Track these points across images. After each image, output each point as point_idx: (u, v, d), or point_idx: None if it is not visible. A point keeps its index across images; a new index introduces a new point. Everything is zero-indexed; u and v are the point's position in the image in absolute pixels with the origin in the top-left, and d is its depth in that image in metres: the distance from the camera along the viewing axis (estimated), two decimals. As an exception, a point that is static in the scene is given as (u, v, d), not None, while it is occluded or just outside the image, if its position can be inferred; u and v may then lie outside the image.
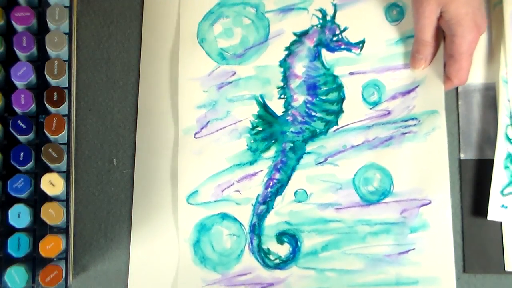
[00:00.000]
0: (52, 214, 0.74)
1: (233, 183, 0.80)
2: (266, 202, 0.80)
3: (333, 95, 0.81)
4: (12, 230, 0.74)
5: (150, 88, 0.83)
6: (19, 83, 0.76)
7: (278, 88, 0.82)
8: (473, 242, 0.79)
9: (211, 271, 0.79)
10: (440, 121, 0.79)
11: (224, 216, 0.80)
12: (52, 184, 0.74)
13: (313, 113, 0.81)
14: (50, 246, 0.73)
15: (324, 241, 0.79)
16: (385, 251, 0.78)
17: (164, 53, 0.84)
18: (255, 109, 0.81)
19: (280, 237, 0.79)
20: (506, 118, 0.80)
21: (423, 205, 0.78)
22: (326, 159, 0.80)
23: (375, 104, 0.81)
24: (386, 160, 0.79)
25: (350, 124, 0.80)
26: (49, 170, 0.76)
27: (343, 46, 0.82)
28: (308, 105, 0.81)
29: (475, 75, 0.81)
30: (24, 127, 0.75)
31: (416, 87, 0.80)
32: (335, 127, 0.80)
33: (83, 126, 0.83)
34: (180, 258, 0.79)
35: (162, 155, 0.82)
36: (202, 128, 0.81)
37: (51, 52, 0.77)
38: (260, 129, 0.81)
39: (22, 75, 0.76)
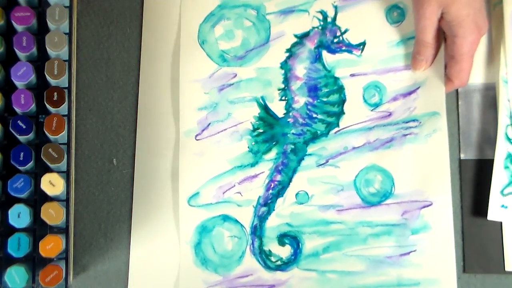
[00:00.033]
0: (52, 214, 0.74)
1: (234, 185, 0.80)
2: (267, 203, 0.80)
3: (334, 97, 0.81)
4: (12, 230, 0.74)
5: (150, 88, 0.83)
6: (19, 83, 0.76)
7: (279, 90, 0.82)
8: (473, 242, 0.79)
9: (212, 273, 0.79)
10: (441, 122, 0.79)
11: (225, 218, 0.80)
12: (52, 184, 0.74)
13: (314, 115, 0.81)
14: (50, 246, 0.73)
15: (325, 242, 0.79)
16: (386, 252, 0.78)
17: (164, 53, 0.84)
18: (256, 111, 0.82)
19: (282, 238, 0.79)
20: (506, 118, 0.80)
21: (424, 207, 0.78)
22: (327, 161, 0.80)
23: (376, 105, 0.81)
24: (387, 162, 0.79)
25: (351, 125, 0.80)
26: (49, 170, 0.76)
27: (344, 48, 0.82)
28: (309, 106, 0.81)
29: (475, 75, 0.81)
30: (24, 127, 0.75)
31: (417, 88, 0.80)
32: (336, 129, 0.81)
33: (83, 126, 0.83)
34: (181, 260, 0.79)
35: (162, 155, 0.82)
36: (203, 130, 0.81)
37: (51, 52, 0.77)
38: (261, 131, 0.81)
39: (22, 75, 0.76)
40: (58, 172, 0.75)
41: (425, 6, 0.76)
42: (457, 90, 0.82)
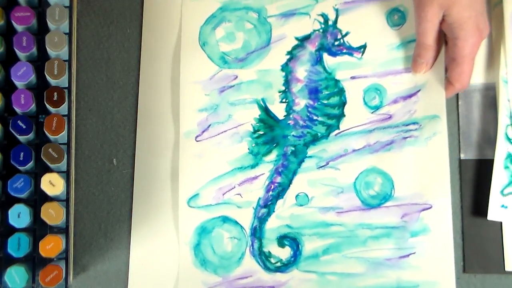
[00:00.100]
0: (52, 214, 0.74)
1: (234, 186, 0.80)
2: (267, 205, 0.80)
3: (334, 99, 0.81)
4: (12, 230, 0.74)
5: (150, 88, 0.83)
6: (19, 83, 0.76)
7: (279, 92, 0.82)
8: (473, 242, 0.80)
9: (211, 274, 0.79)
10: (441, 126, 0.80)
11: (225, 219, 0.80)
12: (52, 184, 0.74)
13: (315, 117, 0.81)
14: (50, 246, 0.73)
15: (325, 244, 0.79)
16: (386, 255, 0.78)
17: (164, 54, 0.84)
18: (256, 113, 0.82)
19: (281, 240, 0.79)
20: (506, 118, 0.80)
21: (424, 210, 0.78)
22: (327, 163, 0.80)
23: (377, 108, 0.81)
24: (387, 164, 0.80)
25: (351, 128, 0.81)
26: (49, 170, 0.76)
27: (344, 51, 0.82)
28: (309, 109, 0.81)
29: (475, 75, 0.81)
30: (24, 127, 0.75)
31: (418, 91, 0.81)
32: (336, 131, 0.81)
33: (83, 126, 0.83)
34: (181, 261, 0.79)
35: (162, 155, 0.82)
36: (203, 132, 0.82)
37: (51, 52, 0.77)
38: (261, 132, 0.81)
39: (22, 75, 0.76)
40: (58, 172, 0.75)
41: (427, 8, 0.76)
42: (457, 90, 0.82)
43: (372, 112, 0.81)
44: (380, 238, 0.79)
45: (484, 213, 0.79)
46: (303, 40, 0.83)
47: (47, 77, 0.76)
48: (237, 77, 0.82)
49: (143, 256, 0.80)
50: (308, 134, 0.81)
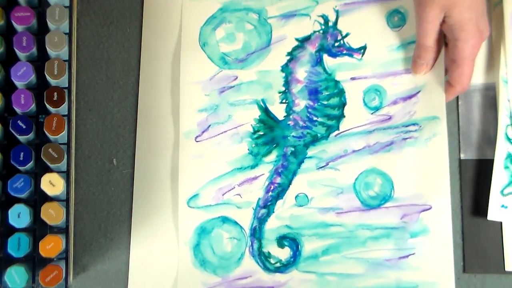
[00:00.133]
0: (52, 214, 0.74)
1: (234, 187, 0.81)
2: (267, 206, 0.80)
3: (334, 100, 0.82)
4: (12, 230, 0.74)
5: (150, 88, 0.83)
6: (19, 83, 0.76)
7: (279, 92, 0.82)
8: (473, 242, 0.80)
9: (211, 274, 0.79)
10: (441, 127, 0.80)
11: (225, 220, 0.80)
12: (52, 184, 0.74)
13: (315, 118, 0.81)
14: (50, 246, 0.73)
15: (325, 245, 0.79)
16: (386, 255, 0.78)
17: (165, 53, 0.84)
18: (256, 113, 0.82)
19: (281, 240, 0.80)
20: (506, 118, 0.80)
21: (423, 210, 0.79)
22: (327, 164, 0.80)
23: (376, 109, 0.81)
24: (387, 165, 0.80)
25: (351, 129, 0.81)
26: (49, 170, 0.76)
27: (344, 52, 0.82)
28: (309, 109, 0.81)
29: (475, 75, 0.81)
30: (24, 127, 0.75)
31: (417, 92, 0.81)
32: (336, 132, 0.81)
33: (83, 126, 0.83)
34: (180, 261, 0.79)
35: (162, 155, 0.82)
36: (203, 132, 0.82)
37: (51, 52, 0.77)
38: (261, 133, 0.81)
39: (22, 75, 0.76)
40: (58, 172, 0.75)
41: (428, 9, 0.76)
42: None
43: (372, 113, 0.81)
44: (380, 238, 0.79)
45: (484, 213, 0.79)
46: (303, 41, 0.83)
47: (47, 77, 0.76)
48: (237, 77, 0.83)
49: (143, 256, 0.80)
50: (308, 134, 0.81)
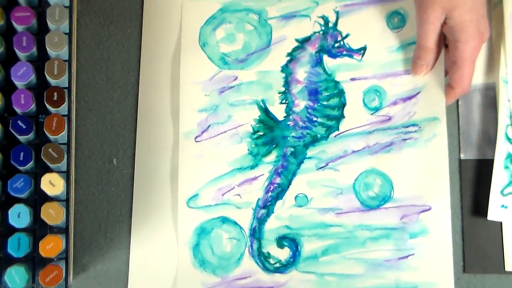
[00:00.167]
0: (52, 214, 0.74)
1: (234, 187, 0.81)
2: (267, 206, 0.80)
3: (334, 101, 0.82)
4: (12, 230, 0.74)
5: (150, 88, 0.83)
6: (19, 83, 0.76)
7: (279, 93, 0.82)
8: (473, 242, 0.80)
9: (210, 274, 0.79)
10: (440, 128, 0.80)
11: (224, 220, 0.80)
12: (52, 184, 0.74)
13: (314, 118, 0.81)
14: (50, 246, 0.73)
15: (324, 245, 0.79)
16: (385, 256, 0.79)
17: (165, 53, 0.84)
18: (256, 113, 0.82)
19: (280, 241, 0.80)
20: (506, 118, 0.80)
21: (423, 211, 0.79)
22: (326, 164, 0.81)
23: (376, 109, 0.81)
24: (387, 166, 0.80)
25: (351, 129, 0.81)
26: (49, 170, 0.76)
27: (344, 53, 0.82)
28: (309, 110, 0.82)
29: (475, 75, 0.80)
30: (24, 127, 0.75)
31: (417, 93, 0.81)
32: (336, 132, 0.81)
33: (83, 126, 0.83)
34: (179, 261, 0.80)
35: (162, 155, 0.82)
36: (203, 132, 0.82)
37: (51, 52, 0.77)
38: (261, 133, 0.82)
39: (22, 75, 0.76)
40: (58, 172, 0.75)
41: (429, 11, 0.76)
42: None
43: (371, 114, 0.81)
44: (379, 239, 0.79)
45: (484, 213, 0.79)
46: (303, 42, 0.83)
47: (47, 77, 0.76)
48: (237, 78, 0.83)
49: (143, 256, 0.80)
50: (307, 135, 0.81)
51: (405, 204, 0.79)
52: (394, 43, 0.82)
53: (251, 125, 0.82)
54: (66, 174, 0.76)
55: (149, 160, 0.82)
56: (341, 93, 0.82)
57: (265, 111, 0.82)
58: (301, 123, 0.81)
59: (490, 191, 0.79)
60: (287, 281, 0.79)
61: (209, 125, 0.82)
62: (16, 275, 0.72)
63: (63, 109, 0.77)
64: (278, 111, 0.82)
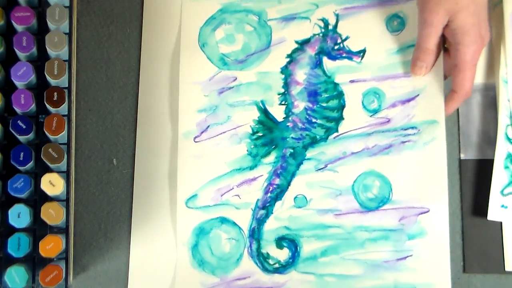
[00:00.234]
0: (52, 214, 0.74)
1: (233, 188, 0.81)
2: (266, 207, 0.81)
3: (333, 102, 0.82)
4: (12, 230, 0.74)
5: (150, 89, 0.83)
6: (19, 83, 0.76)
7: (279, 94, 0.82)
8: (473, 242, 0.80)
9: (209, 274, 0.80)
10: (439, 131, 0.80)
11: (223, 220, 0.80)
12: (52, 184, 0.74)
13: (314, 120, 0.82)
14: (50, 246, 0.74)
15: (323, 246, 0.80)
16: (384, 257, 0.79)
17: (164, 54, 0.84)
18: (255, 114, 0.82)
19: (280, 241, 0.80)
20: (506, 118, 0.81)
21: (421, 213, 0.79)
22: (326, 166, 0.81)
23: (375, 111, 0.82)
24: (386, 168, 0.80)
25: (350, 131, 0.81)
26: (49, 170, 0.76)
27: (344, 55, 0.83)
28: (308, 111, 0.82)
29: (475, 75, 0.80)
30: (24, 127, 0.75)
31: (416, 96, 0.81)
32: (335, 134, 0.81)
33: (83, 126, 0.83)
34: (178, 261, 0.80)
35: (163, 155, 0.82)
36: (202, 132, 0.82)
37: (51, 52, 0.77)
38: (260, 134, 0.82)
39: (22, 75, 0.76)
40: (58, 172, 0.76)
41: (433, 13, 0.76)
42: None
43: (370, 116, 0.82)
44: (378, 240, 0.79)
45: (484, 213, 0.80)
46: (303, 44, 0.83)
47: (47, 77, 0.76)
48: (236, 78, 0.83)
49: (143, 256, 0.80)
50: (307, 136, 0.82)
51: (404, 206, 0.80)
52: (394, 46, 0.82)
53: (250, 126, 0.82)
54: (66, 174, 0.76)
55: (149, 160, 0.82)
56: (340, 95, 0.82)
57: (264, 112, 0.82)
58: (300, 125, 0.82)
59: (490, 191, 0.80)
60: (286, 281, 0.79)
61: (208, 126, 0.82)
62: (16, 275, 0.72)
63: (63, 109, 0.77)
64: (278, 112, 0.82)
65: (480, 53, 0.77)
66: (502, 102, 0.81)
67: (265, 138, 0.82)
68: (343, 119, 0.82)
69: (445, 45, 0.80)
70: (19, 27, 0.77)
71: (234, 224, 0.80)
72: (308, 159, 0.81)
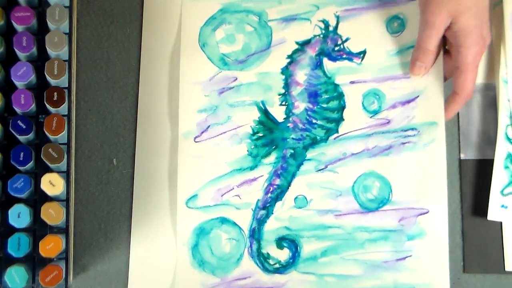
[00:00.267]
0: (52, 214, 0.74)
1: (233, 188, 0.81)
2: (266, 207, 0.81)
3: (333, 103, 0.82)
4: (12, 230, 0.74)
5: (150, 89, 0.83)
6: (19, 83, 0.76)
7: (279, 95, 0.83)
8: (473, 242, 0.81)
9: (210, 274, 0.80)
10: (439, 132, 0.80)
11: (224, 221, 0.81)
12: (52, 184, 0.74)
13: (314, 121, 0.82)
14: (50, 246, 0.74)
15: (324, 246, 0.80)
16: (383, 257, 0.79)
17: (164, 54, 0.84)
18: (256, 114, 0.82)
19: (280, 242, 0.80)
20: (506, 118, 0.81)
21: (420, 214, 0.80)
22: (326, 166, 0.81)
23: (375, 113, 0.82)
24: (385, 169, 0.81)
25: (350, 132, 0.81)
26: (49, 170, 0.76)
27: (344, 56, 0.83)
28: (309, 112, 0.82)
29: None
30: (24, 127, 0.75)
31: (416, 97, 0.81)
32: (335, 135, 0.82)
33: (83, 126, 0.83)
34: (178, 262, 0.80)
35: (163, 155, 0.82)
36: (202, 132, 0.82)
37: (51, 52, 0.77)
38: (260, 135, 0.82)
39: (22, 75, 0.76)
40: (58, 172, 0.76)
41: (436, 15, 0.76)
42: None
43: (370, 117, 0.82)
44: (378, 241, 0.80)
45: (484, 213, 0.80)
46: (303, 45, 0.83)
47: (47, 77, 0.76)
48: (236, 79, 0.83)
49: (143, 256, 0.80)
50: (307, 137, 0.82)
51: (403, 207, 0.80)
52: (394, 47, 0.83)
53: (250, 126, 0.82)
54: (66, 174, 0.76)
55: (149, 160, 0.82)
56: (340, 96, 0.82)
57: (264, 112, 0.82)
58: (300, 125, 0.82)
59: (490, 191, 0.80)
60: (287, 281, 0.80)
61: (209, 126, 0.82)
62: (16, 275, 0.72)
63: (63, 109, 0.77)
64: (278, 113, 0.82)
65: (481, 55, 0.77)
66: (502, 102, 0.81)
67: (266, 139, 0.82)
68: (343, 120, 0.82)
69: (445, 47, 0.80)
70: (19, 27, 0.77)
71: (235, 224, 0.80)
72: (309, 159, 0.81)
